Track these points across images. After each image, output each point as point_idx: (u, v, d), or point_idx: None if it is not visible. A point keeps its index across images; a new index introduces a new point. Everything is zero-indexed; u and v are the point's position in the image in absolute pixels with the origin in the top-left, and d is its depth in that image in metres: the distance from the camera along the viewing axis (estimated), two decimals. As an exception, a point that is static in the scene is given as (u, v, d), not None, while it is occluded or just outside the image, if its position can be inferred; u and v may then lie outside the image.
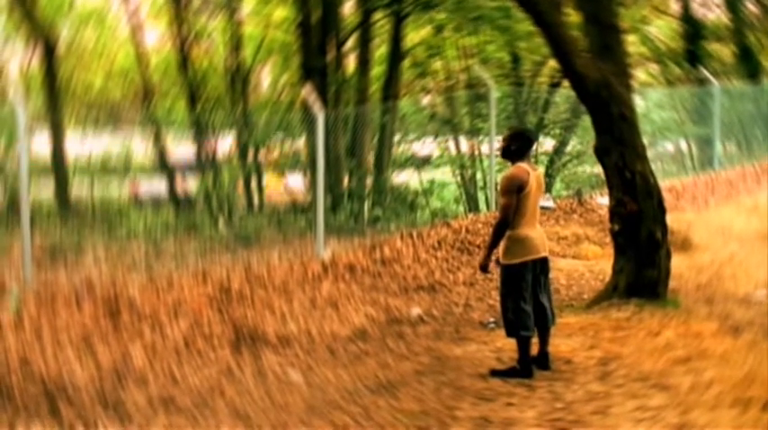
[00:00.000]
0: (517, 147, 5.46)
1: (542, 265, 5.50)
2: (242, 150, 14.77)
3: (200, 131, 14.94)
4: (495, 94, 11.00)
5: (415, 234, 9.99)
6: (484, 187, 16.97)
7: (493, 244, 5.44)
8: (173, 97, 18.82)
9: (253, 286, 7.81)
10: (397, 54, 15.21)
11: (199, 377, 5.72)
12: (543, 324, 5.52)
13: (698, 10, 20.98)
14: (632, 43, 19.57)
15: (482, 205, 16.32)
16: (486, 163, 16.71)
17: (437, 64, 17.98)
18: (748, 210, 10.60)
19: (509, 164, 5.56)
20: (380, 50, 15.95)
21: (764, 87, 19.00)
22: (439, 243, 9.81)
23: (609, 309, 6.81)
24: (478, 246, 9.79)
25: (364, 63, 14.64)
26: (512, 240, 5.38)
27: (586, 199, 12.15)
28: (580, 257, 9.78)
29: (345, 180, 13.22)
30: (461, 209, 16.00)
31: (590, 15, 6.89)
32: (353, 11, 15.36)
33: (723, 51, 21.61)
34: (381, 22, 15.31)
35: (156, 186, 14.39)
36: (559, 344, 5.88)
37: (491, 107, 10.95)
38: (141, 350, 6.01)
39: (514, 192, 5.31)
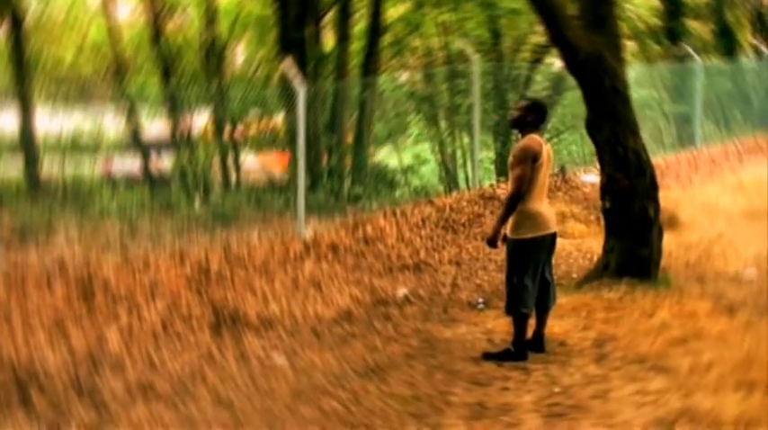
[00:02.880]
0: (533, 118, 5.26)
1: (551, 242, 5.32)
2: (218, 127, 14.41)
3: (175, 107, 14.54)
4: (477, 67, 10.73)
5: (398, 212, 9.77)
6: (464, 165, 16.82)
7: (505, 216, 5.22)
8: (146, 72, 18.33)
9: (232, 266, 7.56)
10: (376, 29, 14.89)
11: (178, 362, 5.47)
12: (544, 303, 5.34)
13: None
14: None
15: (462, 183, 16.18)
16: (466, 140, 16.61)
17: (417, 40, 17.66)
18: (733, 188, 10.49)
19: (519, 135, 5.35)
20: (360, 25, 15.60)
21: (742, 65, 18.96)
22: (423, 221, 9.60)
23: (600, 289, 6.65)
24: (463, 225, 9.62)
25: (344, 38, 14.30)
26: (522, 214, 5.17)
27: (570, 176, 11.98)
28: (566, 236, 9.59)
29: (325, 157, 12.93)
30: (441, 187, 15.82)
31: (582, -15, 6.66)
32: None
33: (702, 29, 21.52)
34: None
35: (129, 164, 13.98)
36: (552, 326, 5.69)
37: (474, 82, 10.71)
38: (117, 334, 5.75)
39: (529, 162, 5.11)
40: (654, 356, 5.08)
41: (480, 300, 6.90)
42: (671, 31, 19.75)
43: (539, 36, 17.83)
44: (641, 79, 16.91)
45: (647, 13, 21.07)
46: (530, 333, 5.34)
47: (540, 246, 5.21)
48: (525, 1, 16.26)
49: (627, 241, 6.66)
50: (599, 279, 6.80)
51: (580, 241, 9.17)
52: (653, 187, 6.70)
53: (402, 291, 7.37)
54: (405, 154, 16.54)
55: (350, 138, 13.91)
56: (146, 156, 14.04)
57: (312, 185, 11.31)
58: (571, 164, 15.26)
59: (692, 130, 14.80)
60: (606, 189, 6.70)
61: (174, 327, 6.11)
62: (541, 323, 5.38)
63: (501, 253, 8.70)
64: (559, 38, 6.53)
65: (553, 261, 5.55)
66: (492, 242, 5.27)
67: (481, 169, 16.32)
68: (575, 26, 6.50)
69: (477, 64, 10.74)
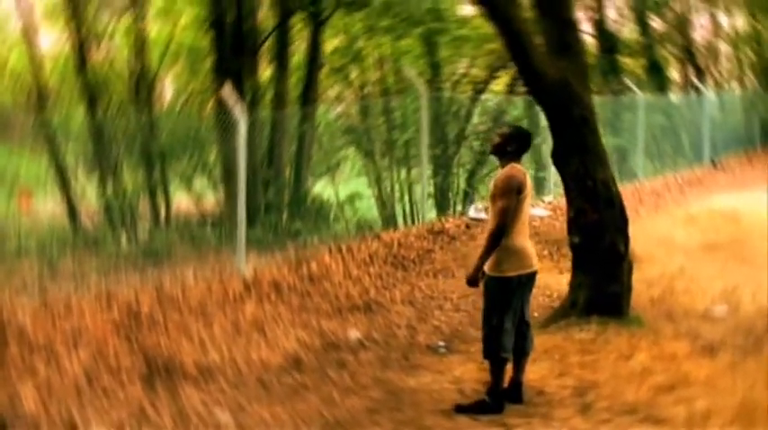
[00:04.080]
0: (515, 146, 4.80)
1: (533, 281, 4.83)
2: (147, 159, 13.64)
3: (101, 139, 13.70)
4: (425, 97, 10.33)
5: (343, 248, 9.21)
6: (402, 199, 16.38)
7: (487, 253, 4.71)
8: (71, 103, 17.40)
9: (165, 309, 6.85)
10: (315, 59, 14.43)
11: (105, 422, 4.76)
12: (523, 348, 4.84)
13: (611, 24, 21.14)
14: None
15: (400, 218, 15.73)
16: (402, 175, 16.19)
17: (357, 71, 17.27)
18: (685, 221, 10.29)
19: (499, 164, 4.88)
20: (298, 56, 15.13)
21: (673, 100, 19.23)
22: (370, 258, 9.05)
23: (569, 329, 6.20)
24: (413, 261, 9.11)
25: (281, 67, 13.77)
26: (505, 250, 4.68)
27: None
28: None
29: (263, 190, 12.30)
30: (380, 222, 15.33)
31: (546, 10, 6.29)
32: (270, 12, 14.47)
33: (634, 65, 21.87)
34: (300, 26, 14.52)
35: (52, 198, 13.05)
36: (526, 371, 5.19)
37: (423, 112, 10.29)
38: (33, 390, 4.99)
39: (514, 193, 4.64)
40: (643, 405, 4.63)
41: (441, 343, 6.37)
42: (607, 65, 19.94)
43: (479, 70, 17.78)
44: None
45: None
46: (505, 381, 4.83)
47: (523, 285, 4.74)
48: (476, 29, 16.19)
49: (596, 277, 6.25)
50: (566, 318, 6.36)
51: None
52: (623, 220, 6.32)
53: (354, 334, 6.77)
54: (342, 188, 16.04)
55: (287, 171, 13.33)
56: (68, 190, 13.13)
57: (250, 220, 10.65)
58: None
59: (633, 164, 14.73)
60: (574, 223, 6.28)
61: (101, 381, 5.37)
62: (519, 369, 4.88)
63: (456, 291, 8.34)
64: (525, 64, 6.14)
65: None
66: (473, 281, 4.76)
67: (417, 205, 16.04)
68: (540, 52, 6.12)
69: (424, 93, 10.34)
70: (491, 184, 4.84)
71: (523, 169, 4.79)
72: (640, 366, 5.33)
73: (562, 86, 6.09)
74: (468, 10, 16.11)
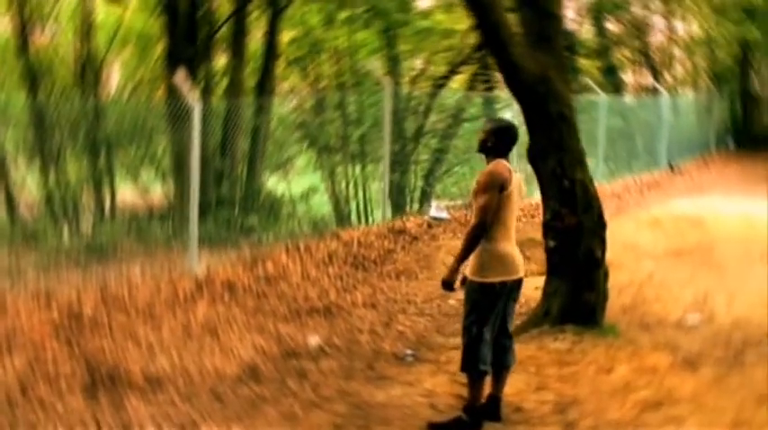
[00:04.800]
0: (500, 142, 4.44)
1: (518, 289, 4.48)
2: (92, 148, 12.95)
3: (43, 126, 12.96)
4: (389, 91, 9.95)
5: (301, 247, 8.79)
6: (356, 196, 15.94)
7: (465, 253, 4.33)
8: (11, 88, 16.51)
9: (110, 310, 6.37)
10: (272, 49, 13.91)
11: (41, 439, 4.27)
12: (504, 361, 4.49)
13: (569, 24, 21.04)
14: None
15: (354, 216, 15.33)
16: (357, 172, 15.76)
17: (314, 63, 16.77)
18: (649, 225, 10.12)
19: (485, 161, 4.52)
20: (255, 45, 14.58)
21: (628, 102, 19.23)
22: (329, 257, 8.66)
23: (543, 339, 5.88)
24: (374, 262, 8.74)
25: (237, 56, 13.22)
26: (488, 254, 4.31)
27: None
28: (461, 273, 8.89)
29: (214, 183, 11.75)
30: (335, 219, 14.90)
31: (526, 0, 5.95)
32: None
33: (590, 66, 21.83)
34: (257, 14, 14.00)
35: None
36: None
37: (386, 105, 9.90)
38: (-41, 402, 4.47)
39: (496, 190, 4.27)
40: (629, 424, 4.33)
41: (408, 351, 5.99)
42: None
43: (438, 65, 17.45)
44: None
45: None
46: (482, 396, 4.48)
47: (506, 293, 4.38)
48: (436, 23, 15.82)
49: (571, 284, 5.95)
50: (539, 327, 6.05)
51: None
52: (600, 225, 6.04)
53: (315, 340, 6.35)
54: (296, 183, 15.54)
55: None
56: (6, 179, 12.39)
57: (201, 214, 10.13)
58: (462, 199, 14.81)
59: (594, 165, 14.58)
60: (550, 226, 5.97)
61: (37, 391, 4.88)
62: (499, 384, 4.52)
63: (419, 294, 7.99)
64: (503, 56, 5.79)
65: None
66: (449, 284, 4.37)
67: (371, 202, 15.65)
68: (520, 44, 5.78)
69: (389, 87, 9.95)
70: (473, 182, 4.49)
71: (509, 165, 4.44)
72: (622, 380, 5.04)
73: (541, 81, 5.77)
74: (428, 2, 15.83)
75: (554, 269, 6.06)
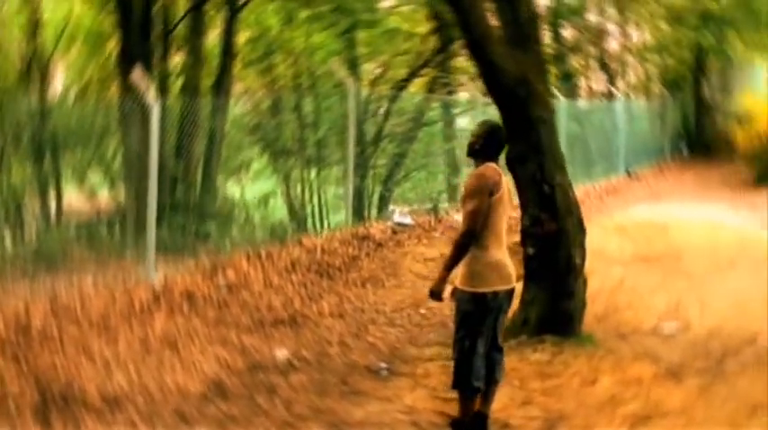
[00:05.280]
0: (489, 145, 4.24)
1: (510, 299, 4.25)
2: (38, 150, 12.38)
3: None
4: (354, 93, 9.68)
5: (262, 254, 8.45)
6: (311, 201, 15.59)
7: (453, 261, 4.12)
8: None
9: (61, 322, 5.98)
10: (229, 49, 13.52)
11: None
12: (493, 375, 4.26)
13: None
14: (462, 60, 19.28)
15: (309, 221, 14.99)
16: (314, 176, 15.43)
17: (271, 64, 16.39)
18: (615, 232, 10.01)
19: (474, 165, 4.29)
20: (213, 45, 14.15)
21: (585, 108, 19.27)
22: (292, 265, 8.33)
23: (522, 349, 5.68)
24: (339, 269, 8.45)
25: (194, 56, 12.79)
26: (478, 262, 4.09)
27: (443, 215, 11.16)
28: (451, 282, 8.65)
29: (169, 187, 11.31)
30: (294, 225, 14.54)
31: (505, -1, 5.75)
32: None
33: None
34: (214, 13, 13.59)
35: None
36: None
37: (350, 109, 9.63)
38: None
39: (485, 194, 4.05)
40: (622, 441, 4.12)
41: (383, 364, 5.72)
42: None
43: (398, 68, 17.23)
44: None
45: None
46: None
47: (499, 304, 4.15)
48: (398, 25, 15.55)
49: (550, 293, 5.76)
50: (517, 337, 5.83)
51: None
52: (580, 231, 5.87)
53: (282, 353, 6.05)
54: (253, 188, 15.14)
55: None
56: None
57: (157, 220, 9.72)
58: (419, 204, 14.62)
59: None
60: (529, 233, 5.76)
61: (-18, 413, 4.48)
62: (487, 400, 4.29)
63: (388, 303, 7.72)
64: (483, 56, 5.57)
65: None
66: (437, 294, 4.14)
67: (328, 207, 15.34)
68: (500, 44, 5.58)
69: (353, 89, 9.68)
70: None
71: (499, 169, 4.22)
72: (607, 393, 4.86)
73: (522, 83, 5.57)
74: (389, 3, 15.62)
75: (533, 276, 5.86)
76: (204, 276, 7.67)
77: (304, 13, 14.73)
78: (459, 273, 4.16)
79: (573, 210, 5.80)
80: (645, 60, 22.19)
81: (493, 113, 15.48)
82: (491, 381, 4.25)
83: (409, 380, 5.35)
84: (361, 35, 16.21)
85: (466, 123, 17.45)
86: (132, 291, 6.92)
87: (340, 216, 14.69)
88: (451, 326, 6.79)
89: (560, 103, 14.35)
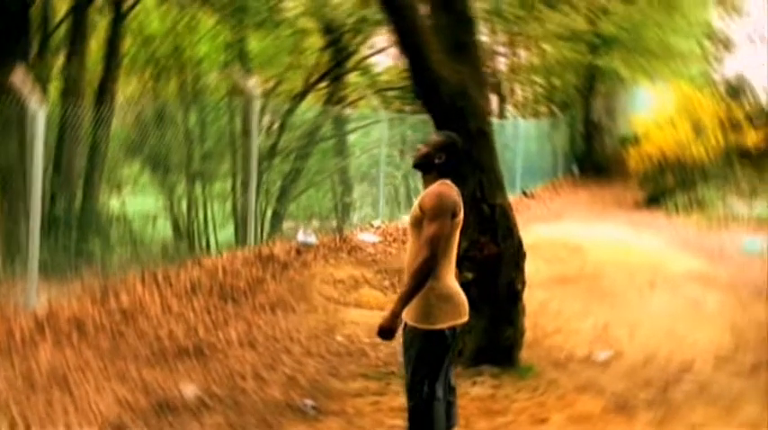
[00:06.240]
0: (447, 159, 3.75)
1: (461, 334, 3.77)
2: None
3: None
4: (257, 104, 9.06)
5: (159, 276, 7.69)
6: (196, 218, 14.70)
7: (412, 294, 3.55)
8: None
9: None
10: (114, 55, 12.56)
11: None
12: (449, 421, 3.76)
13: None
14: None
15: (196, 239, 14.13)
16: (198, 191, 14.53)
17: (159, 72, 15.44)
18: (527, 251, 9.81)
19: (422, 181, 3.79)
20: (97, 49, 13.14)
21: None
22: (192, 288, 7.62)
23: (461, 383, 5.18)
24: (244, 293, 7.78)
25: (76, 61, 11.75)
26: (434, 294, 3.59)
27: (347, 235, 10.66)
28: (362, 305, 8.18)
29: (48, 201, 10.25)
30: (180, 243, 13.62)
31: (442, 2, 5.34)
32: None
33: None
34: (99, 16, 12.63)
35: None
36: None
37: (253, 121, 9.00)
38: None
39: (448, 217, 3.56)
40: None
41: (307, 401, 5.14)
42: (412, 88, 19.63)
43: (292, 82, 16.67)
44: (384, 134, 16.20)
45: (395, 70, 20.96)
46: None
47: (455, 340, 3.67)
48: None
49: (488, 320, 5.36)
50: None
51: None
52: (521, 254, 5.51)
53: (191, 389, 5.36)
54: (137, 203, 14.11)
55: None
56: None
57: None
58: (318, 221, 14.10)
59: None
60: (467, 256, 5.34)
61: None
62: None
63: (301, 330, 7.11)
64: (421, 65, 5.13)
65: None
66: (389, 332, 3.59)
67: (216, 225, 14.51)
68: (437, 52, 5.16)
69: (257, 99, 9.05)
70: (416, 203, 3.74)
71: (455, 187, 3.76)
72: (560, 431, 4.48)
73: (461, 94, 5.18)
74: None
75: (470, 303, 5.41)
76: (94, 301, 6.87)
77: (191, 21, 13.95)
78: (410, 307, 3.64)
79: (513, 231, 5.45)
80: (532, 82, 22.55)
81: (396, 129, 15.08)
82: (448, 426, 3.77)
83: (340, 420, 4.80)
84: (253, 45, 15.57)
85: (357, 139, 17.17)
86: (11, 318, 6.11)
87: (228, 234, 13.96)
88: (375, 356, 6.41)
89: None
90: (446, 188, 3.68)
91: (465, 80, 5.21)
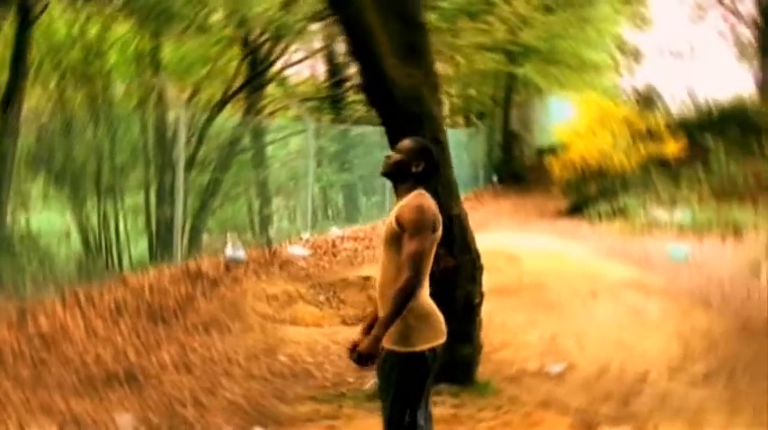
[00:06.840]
0: (423, 166, 3.44)
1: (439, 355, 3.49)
2: None
3: None
4: (183, 113, 8.60)
5: (80, 296, 7.15)
6: (108, 234, 13.97)
7: (395, 316, 3.21)
8: None
9: None
10: (20, 62, 11.77)
11: None
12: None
13: (339, 58, 20.75)
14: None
15: (106, 253, 13.42)
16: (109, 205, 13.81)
17: (69, 81, 14.62)
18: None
19: (395, 191, 3.49)
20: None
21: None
22: (117, 308, 7.13)
23: (419, 403, 4.97)
24: (175, 312, 7.34)
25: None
26: (413, 315, 3.28)
27: (276, 248, 10.29)
28: (298, 322, 7.84)
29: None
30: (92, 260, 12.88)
31: (391, 5, 5.09)
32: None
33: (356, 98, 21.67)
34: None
35: None
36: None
37: (180, 131, 8.54)
38: None
39: (429, 231, 3.28)
40: None
41: (256, 428, 4.78)
42: (335, 97, 19.53)
43: (210, 92, 16.11)
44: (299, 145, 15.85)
45: (312, 80, 20.68)
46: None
47: (434, 363, 3.40)
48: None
49: (447, 337, 5.10)
50: (408, 387, 5.12)
51: (327, 329, 7.47)
52: (478, 267, 5.31)
53: (126, 420, 4.93)
54: (47, 219, 13.28)
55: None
56: None
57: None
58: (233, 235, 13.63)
59: (381, 200, 14.09)
60: (424, 270, 5.09)
61: None
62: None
63: (240, 351, 6.71)
64: (373, 69, 4.86)
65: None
66: (370, 358, 3.25)
67: (130, 240, 13.83)
68: (390, 55, 4.90)
69: (183, 109, 8.59)
70: (391, 217, 3.43)
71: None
72: (533, 453, 4.28)
73: (415, 100, 4.94)
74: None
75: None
76: (10, 326, 6.30)
77: (102, 28, 13.32)
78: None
79: (470, 243, 5.23)
80: (448, 94, 22.61)
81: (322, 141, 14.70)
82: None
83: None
84: (168, 53, 14.97)
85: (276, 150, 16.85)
86: None
87: (141, 248, 13.33)
88: (321, 376, 6.09)
89: (376, 129, 14.02)
90: (425, 200, 3.39)
91: (418, 85, 4.98)
